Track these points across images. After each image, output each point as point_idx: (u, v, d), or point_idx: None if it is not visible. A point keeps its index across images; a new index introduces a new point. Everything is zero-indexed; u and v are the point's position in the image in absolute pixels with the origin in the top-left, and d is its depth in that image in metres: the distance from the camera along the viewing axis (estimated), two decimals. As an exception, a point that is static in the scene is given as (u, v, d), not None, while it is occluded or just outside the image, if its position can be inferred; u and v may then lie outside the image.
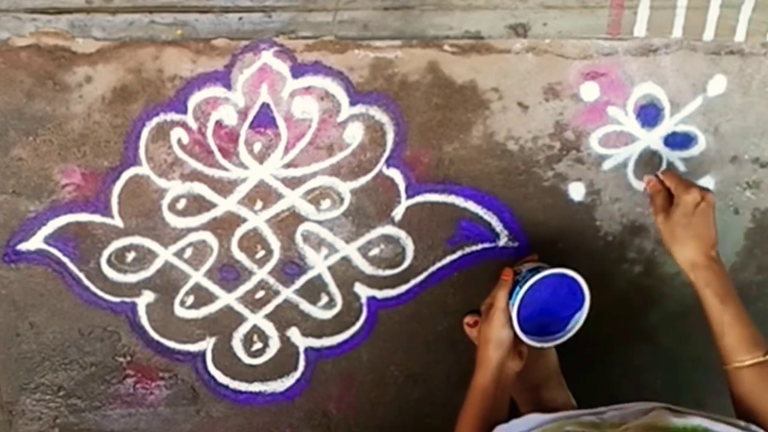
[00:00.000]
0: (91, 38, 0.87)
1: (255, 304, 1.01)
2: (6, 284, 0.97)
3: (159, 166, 0.93)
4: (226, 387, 1.05)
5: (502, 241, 1.01)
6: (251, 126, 0.92)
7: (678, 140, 0.98)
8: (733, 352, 0.79)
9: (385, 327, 1.04)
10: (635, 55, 0.93)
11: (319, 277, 1.00)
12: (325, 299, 1.02)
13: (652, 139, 0.97)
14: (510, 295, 0.89)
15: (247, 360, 1.04)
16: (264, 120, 0.92)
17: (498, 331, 0.89)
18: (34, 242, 0.95)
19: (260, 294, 1.01)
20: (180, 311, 1.00)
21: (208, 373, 1.04)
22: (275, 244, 0.98)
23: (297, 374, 1.05)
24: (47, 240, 0.95)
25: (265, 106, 0.92)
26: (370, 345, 1.05)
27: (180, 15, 0.87)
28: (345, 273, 1.01)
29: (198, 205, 0.96)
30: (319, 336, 1.03)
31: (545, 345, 0.90)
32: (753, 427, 0.75)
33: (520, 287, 0.88)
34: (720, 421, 0.74)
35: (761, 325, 1.10)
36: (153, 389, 1.04)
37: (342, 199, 0.97)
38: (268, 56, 0.90)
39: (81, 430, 1.06)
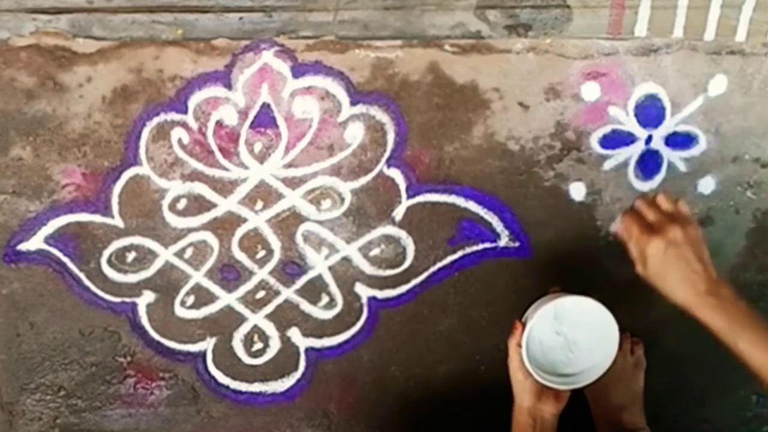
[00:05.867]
0: (91, 38, 0.87)
1: (255, 304, 1.01)
2: (6, 284, 0.97)
3: (159, 166, 0.93)
4: (227, 387, 1.05)
5: (503, 241, 1.01)
6: (252, 126, 0.92)
7: (679, 140, 0.98)
8: (761, 375, 0.74)
9: (386, 327, 1.04)
10: (636, 54, 0.93)
11: (319, 277, 1.00)
12: (325, 299, 1.02)
13: (653, 139, 0.97)
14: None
15: (248, 360, 1.04)
16: (264, 120, 0.92)
17: (518, 382, 0.90)
18: (35, 242, 0.95)
19: (261, 294, 1.01)
20: (180, 311, 1.00)
21: (209, 373, 1.04)
22: (276, 244, 0.98)
23: (297, 374, 1.05)
24: (47, 240, 0.95)
25: (265, 106, 0.92)
26: (371, 345, 1.05)
27: (180, 15, 0.87)
28: (345, 273, 1.01)
29: (198, 205, 0.95)
30: (319, 336, 1.03)
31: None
32: None
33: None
34: None
35: (763, 325, 1.10)
36: (153, 389, 1.04)
37: (342, 199, 0.97)
38: (268, 56, 0.90)
39: (81, 430, 1.06)
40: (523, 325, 0.89)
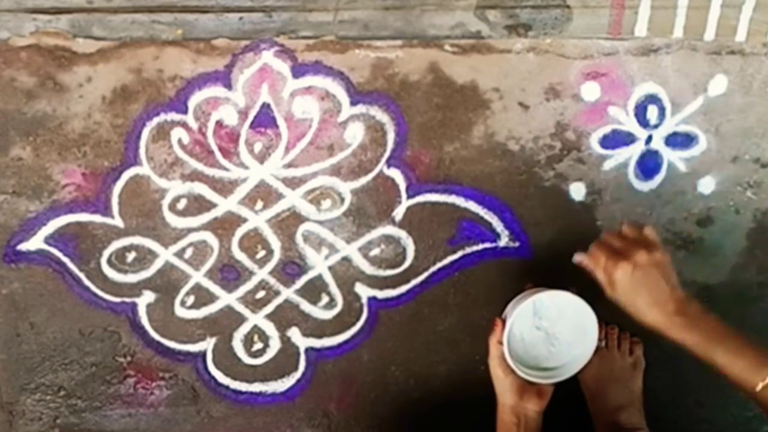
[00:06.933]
0: (91, 38, 0.87)
1: (255, 305, 1.01)
2: (6, 284, 0.97)
3: (159, 166, 0.93)
4: (227, 387, 1.05)
5: (503, 241, 1.01)
6: (252, 126, 0.92)
7: (679, 140, 0.98)
8: (742, 383, 0.75)
9: (386, 327, 1.04)
10: (636, 55, 0.93)
11: (319, 277, 1.00)
12: (325, 299, 1.02)
13: (653, 139, 0.97)
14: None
15: (248, 360, 1.04)
16: (264, 120, 0.92)
17: (499, 380, 0.90)
18: (35, 242, 0.95)
19: (261, 294, 1.01)
20: (180, 311, 1.00)
21: (209, 373, 1.04)
22: (276, 244, 0.98)
23: (297, 374, 1.05)
24: (47, 240, 0.95)
25: (265, 106, 0.92)
26: (371, 345, 1.05)
27: (180, 15, 0.87)
28: (345, 273, 1.01)
29: (198, 205, 0.95)
30: (319, 336, 1.03)
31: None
32: None
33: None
34: None
35: (763, 325, 1.11)
36: (153, 389, 1.04)
37: (342, 199, 0.97)
38: (268, 56, 0.90)
39: (81, 430, 1.06)
40: (503, 322, 0.90)
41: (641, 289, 0.79)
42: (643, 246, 0.80)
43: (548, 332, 0.90)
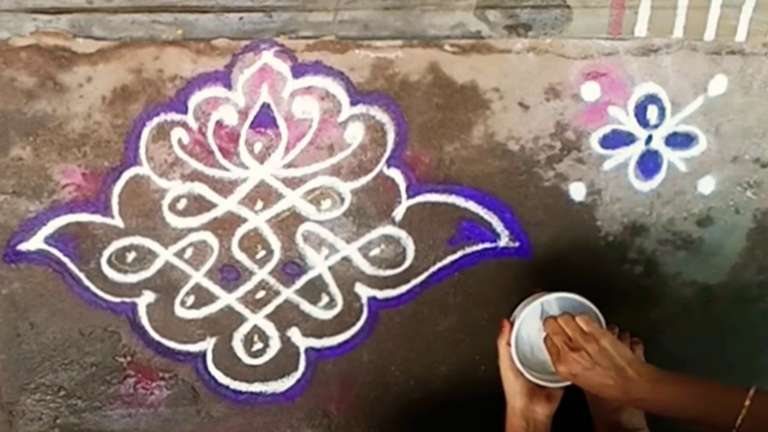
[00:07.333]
0: (91, 38, 0.87)
1: (255, 305, 1.01)
2: (6, 284, 0.97)
3: (159, 166, 0.93)
4: (227, 387, 1.05)
5: (503, 241, 1.01)
6: (252, 126, 0.92)
7: (679, 140, 0.98)
8: (720, 425, 0.76)
9: (386, 327, 1.04)
10: (636, 55, 0.93)
11: (319, 277, 1.00)
12: (325, 299, 1.02)
13: (653, 139, 0.97)
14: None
15: (248, 360, 1.04)
16: (264, 120, 0.92)
17: (509, 383, 0.91)
18: (35, 242, 0.95)
19: (261, 294, 1.01)
20: (180, 311, 1.00)
21: (209, 373, 1.04)
22: (276, 244, 0.98)
23: (297, 374, 1.05)
24: (47, 240, 0.95)
25: (265, 106, 0.92)
26: (371, 345, 1.05)
27: (180, 15, 0.87)
28: (345, 273, 1.01)
29: (198, 205, 0.95)
30: (319, 336, 1.03)
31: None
32: None
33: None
34: None
35: (763, 325, 1.11)
36: (153, 389, 1.04)
37: (342, 199, 0.97)
38: (268, 56, 0.90)
39: (81, 430, 1.06)
40: (512, 325, 0.90)
41: (591, 386, 0.83)
42: (575, 348, 0.83)
43: None
